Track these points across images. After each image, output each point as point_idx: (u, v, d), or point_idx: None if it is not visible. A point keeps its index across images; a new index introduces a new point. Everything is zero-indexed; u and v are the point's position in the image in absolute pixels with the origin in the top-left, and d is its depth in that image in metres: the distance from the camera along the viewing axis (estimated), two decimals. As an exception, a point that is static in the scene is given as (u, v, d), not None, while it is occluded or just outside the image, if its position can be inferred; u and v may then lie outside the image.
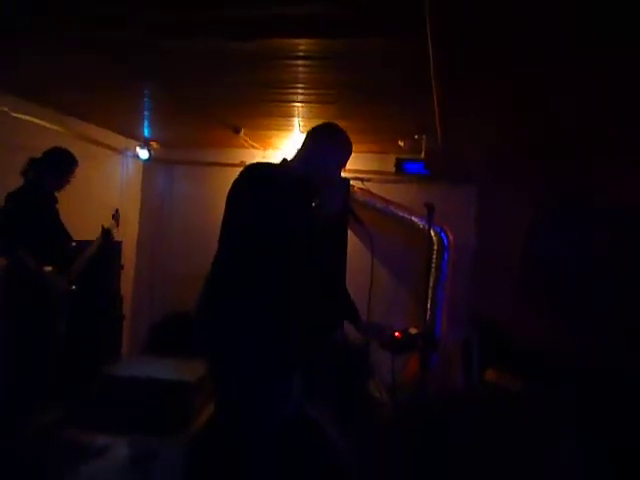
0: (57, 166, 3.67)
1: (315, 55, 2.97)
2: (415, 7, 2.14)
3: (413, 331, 4.03)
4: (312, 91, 3.63)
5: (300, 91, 3.65)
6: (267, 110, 4.21)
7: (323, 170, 2.38)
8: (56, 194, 3.78)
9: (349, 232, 5.02)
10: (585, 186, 5.03)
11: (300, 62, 3.10)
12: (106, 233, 4.09)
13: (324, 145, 2.41)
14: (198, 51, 3.06)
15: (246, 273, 2.29)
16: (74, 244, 3.90)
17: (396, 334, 3.77)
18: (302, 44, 2.84)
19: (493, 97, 3.58)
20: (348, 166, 5.96)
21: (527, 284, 5.19)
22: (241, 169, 2.35)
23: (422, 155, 4.82)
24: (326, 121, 2.55)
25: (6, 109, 3.99)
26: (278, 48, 2.93)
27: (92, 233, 4.22)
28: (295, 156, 2.46)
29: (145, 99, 4.36)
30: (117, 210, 4.39)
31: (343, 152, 2.46)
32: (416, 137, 4.59)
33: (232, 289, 2.31)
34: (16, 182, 3.67)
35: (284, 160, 2.48)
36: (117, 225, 4.29)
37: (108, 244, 4.18)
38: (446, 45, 2.50)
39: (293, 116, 4.32)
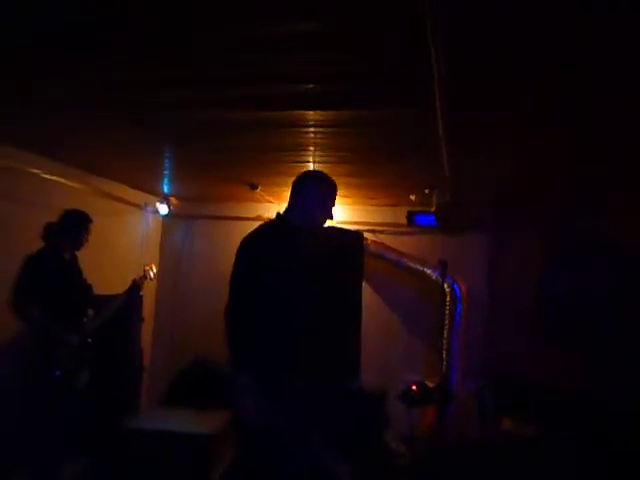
0: (71, 227, 3.82)
1: (325, 124, 3.17)
2: (424, 81, 2.32)
3: (430, 384, 4.10)
4: (324, 153, 3.82)
5: (313, 153, 3.84)
6: (282, 170, 4.40)
7: (309, 213, 2.63)
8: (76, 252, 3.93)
9: (364, 284, 5.13)
10: (594, 227, 5.11)
11: (312, 129, 3.30)
12: (135, 286, 4.22)
13: (307, 192, 2.66)
14: (215, 119, 3.29)
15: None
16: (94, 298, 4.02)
17: (413, 387, 3.85)
18: (312, 114, 3.04)
19: (497, 159, 3.75)
20: (361, 219, 6.14)
21: (540, 328, 5.22)
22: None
23: (433, 208, 4.97)
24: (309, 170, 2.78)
25: (37, 171, 4.22)
26: (290, 118, 3.14)
27: (114, 287, 4.38)
28: (287, 206, 2.72)
29: (165, 159, 4.58)
30: (152, 267, 4.52)
31: (325, 194, 2.69)
32: (427, 192, 4.75)
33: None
34: (38, 242, 3.85)
35: (277, 214, 2.69)
36: (151, 279, 4.44)
37: (135, 297, 4.30)
38: (454, 113, 2.68)
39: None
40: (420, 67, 2.14)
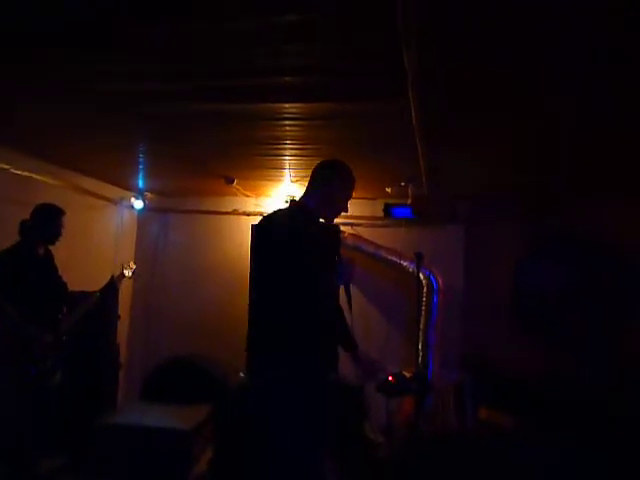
0: (44, 221, 3.76)
1: (301, 117, 3.17)
2: (398, 75, 2.33)
3: (407, 375, 4.13)
4: (301, 146, 3.82)
5: (289, 147, 3.84)
6: (258, 163, 4.39)
7: (331, 204, 2.61)
8: (51, 248, 3.87)
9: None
10: (570, 219, 5.20)
11: (287, 122, 3.30)
12: (112, 284, 4.16)
13: (331, 181, 2.61)
14: (190, 112, 3.26)
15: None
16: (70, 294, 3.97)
17: (390, 378, 3.87)
18: (288, 107, 3.04)
19: (472, 151, 3.78)
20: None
21: (517, 319, 5.30)
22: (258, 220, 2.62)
23: (409, 201, 5.00)
24: (330, 159, 2.76)
25: (7, 166, 4.15)
26: (265, 111, 3.13)
27: (89, 283, 4.33)
28: (305, 193, 2.67)
29: (139, 154, 4.54)
30: (130, 265, 4.45)
31: (348, 186, 2.67)
32: (402, 184, 4.78)
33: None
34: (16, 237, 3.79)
35: (293, 201, 2.66)
36: (130, 277, 4.38)
37: (111, 294, 4.25)
38: (427, 107, 2.69)
39: (284, 168, 4.50)
40: (393, 60, 2.15)
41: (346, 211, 2.70)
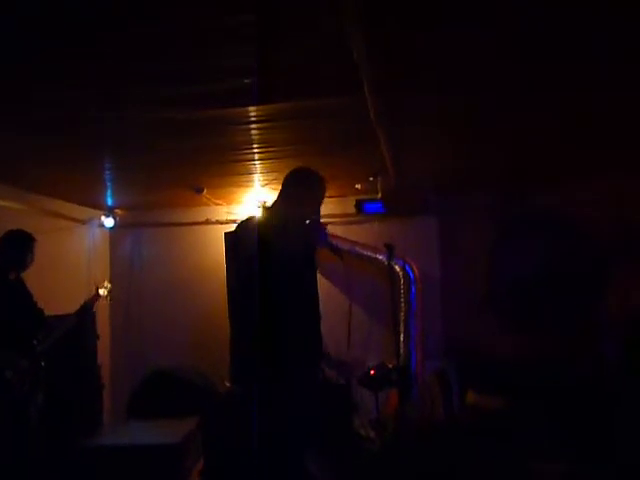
0: (13, 249, 3.71)
1: (265, 119, 3.17)
2: (349, 69, 2.34)
3: (389, 365, 4.16)
4: (267, 149, 3.82)
5: (256, 151, 3.84)
6: (226, 170, 4.38)
7: (300, 208, 2.68)
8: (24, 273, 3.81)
9: (321, 277, 5.15)
10: (538, 200, 5.28)
11: (252, 126, 3.30)
12: (86, 307, 4.11)
13: (299, 186, 2.72)
14: (151, 120, 3.23)
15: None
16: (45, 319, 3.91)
17: (371, 372, 3.89)
18: (251, 110, 3.04)
19: (432, 138, 3.81)
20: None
21: (494, 303, 5.36)
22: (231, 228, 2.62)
23: (379, 195, 5.03)
24: (299, 166, 2.85)
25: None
26: (230, 116, 3.13)
27: (63, 307, 4.26)
28: (276, 199, 2.75)
29: (104, 170, 4.48)
30: (105, 285, 4.40)
31: (316, 190, 2.76)
32: (371, 179, 4.80)
33: None
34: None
35: (265, 207, 2.71)
36: (105, 297, 4.33)
37: (87, 317, 4.21)
38: (383, 99, 2.72)
39: (252, 173, 4.49)
40: (344, 55, 2.17)
41: (318, 214, 2.73)
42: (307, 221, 2.71)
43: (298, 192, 2.70)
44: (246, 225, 2.68)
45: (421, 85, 2.81)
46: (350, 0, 1.80)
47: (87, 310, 4.16)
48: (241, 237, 2.66)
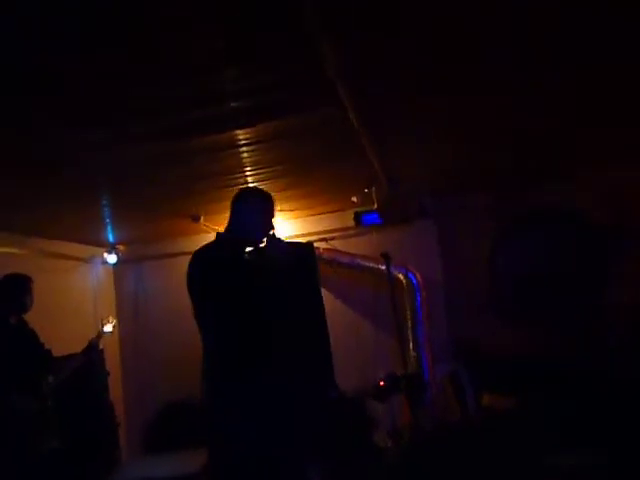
0: (12, 293, 3.71)
1: (254, 140, 3.22)
2: (324, 82, 2.38)
3: (398, 374, 4.14)
4: (259, 171, 3.86)
5: (249, 173, 3.88)
6: (220, 195, 4.37)
7: (253, 227, 2.67)
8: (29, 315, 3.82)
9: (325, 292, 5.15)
10: (542, 197, 5.28)
11: (243, 149, 3.34)
12: (92, 346, 4.12)
13: (246, 210, 2.71)
14: (139, 155, 3.28)
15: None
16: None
17: (380, 383, 3.88)
18: (242, 133, 3.08)
19: (418, 140, 3.81)
20: (311, 230, 6.14)
21: (498, 302, 5.34)
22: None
23: (375, 206, 5.05)
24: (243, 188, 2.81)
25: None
26: (220, 141, 3.17)
27: (71, 346, 4.26)
28: (228, 224, 2.75)
29: (103, 208, 4.53)
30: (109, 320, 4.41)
31: (263, 206, 2.73)
32: (366, 190, 4.83)
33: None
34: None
35: (217, 234, 2.72)
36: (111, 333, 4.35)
37: (93, 355, 4.21)
38: (362, 108, 2.75)
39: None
40: (314, 68, 2.21)
41: (272, 228, 2.73)
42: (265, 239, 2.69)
43: (244, 211, 2.70)
44: (197, 255, 2.62)
45: (397, 89, 2.83)
46: (311, 13, 1.84)
47: (94, 348, 4.17)
48: (191, 266, 2.61)
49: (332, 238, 5.79)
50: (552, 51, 2.55)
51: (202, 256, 2.59)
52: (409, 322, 5.17)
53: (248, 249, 2.68)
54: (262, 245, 2.70)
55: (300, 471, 2.62)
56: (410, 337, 5.11)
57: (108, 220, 5.01)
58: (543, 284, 5.11)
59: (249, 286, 2.50)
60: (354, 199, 5.20)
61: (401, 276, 5.18)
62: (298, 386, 2.63)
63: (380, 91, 2.80)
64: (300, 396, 2.64)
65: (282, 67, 2.33)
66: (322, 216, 5.92)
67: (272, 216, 2.75)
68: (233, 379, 2.45)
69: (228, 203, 4.73)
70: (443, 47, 2.42)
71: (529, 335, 4.82)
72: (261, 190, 2.85)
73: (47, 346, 3.91)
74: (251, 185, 4.26)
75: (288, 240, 5.39)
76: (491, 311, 5.22)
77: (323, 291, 5.33)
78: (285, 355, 2.59)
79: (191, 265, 2.57)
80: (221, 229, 5.62)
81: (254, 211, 2.69)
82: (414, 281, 5.20)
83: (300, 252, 4.88)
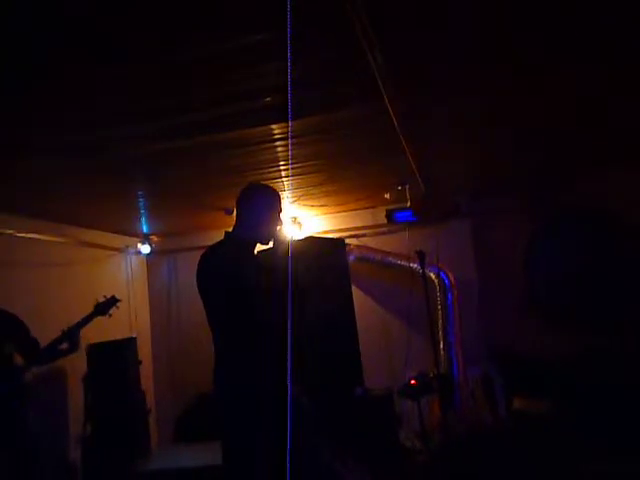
0: None
1: (289, 135, 3.19)
2: (367, 78, 2.35)
3: (430, 375, 4.10)
4: (294, 166, 3.85)
5: (283, 167, 3.87)
6: (254, 189, 4.41)
7: (260, 225, 2.59)
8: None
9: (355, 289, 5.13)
10: (577, 196, 5.16)
11: (278, 143, 3.33)
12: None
13: (251, 204, 2.62)
14: (176, 148, 3.30)
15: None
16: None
17: (412, 382, 3.84)
18: (275, 128, 3.07)
19: (455, 140, 3.77)
20: (342, 225, 6.11)
21: (534, 303, 5.24)
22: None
23: (408, 204, 5.00)
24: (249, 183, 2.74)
25: (10, 231, 4.19)
26: (255, 135, 3.17)
27: (106, 333, 4.33)
28: (235, 223, 2.67)
29: (138, 199, 4.58)
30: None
31: (271, 202, 2.65)
32: (399, 188, 4.78)
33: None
34: (22, 301, 3.79)
35: (225, 232, 2.67)
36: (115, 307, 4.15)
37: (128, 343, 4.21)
38: (403, 106, 2.72)
39: (281, 190, 4.52)
40: (360, 66, 2.18)
41: (280, 225, 2.67)
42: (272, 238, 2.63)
43: (251, 209, 2.61)
44: (207, 254, 2.57)
45: (440, 88, 2.79)
46: (358, 8, 1.81)
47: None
48: (200, 265, 2.57)
49: (363, 235, 5.77)
50: (583, 47, 2.47)
51: (209, 257, 2.54)
52: (440, 322, 5.11)
53: (257, 249, 2.64)
54: (271, 244, 2.64)
55: (314, 451, 2.58)
56: (441, 337, 5.06)
57: (142, 211, 5.07)
58: (578, 285, 4.99)
59: (257, 287, 2.46)
60: (387, 196, 5.17)
61: (433, 275, 5.13)
62: (323, 385, 2.60)
63: (421, 90, 2.76)
64: (325, 394, 2.62)
65: (325, 61, 2.30)
66: (354, 212, 5.88)
67: (278, 211, 2.66)
68: (246, 385, 2.43)
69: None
70: (483, 49, 2.37)
71: (566, 337, 4.71)
72: (265, 185, 2.76)
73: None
74: (286, 181, 4.27)
75: (318, 236, 5.41)
76: (526, 312, 5.13)
77: (353, 288, 5.34)
78: (286, 354, 2.55)
79: (199, 266, 2.54)
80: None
81: (258, 207, 2.61)
82: (446, 280, 5.14)
83: (327, 248, 4.87)
